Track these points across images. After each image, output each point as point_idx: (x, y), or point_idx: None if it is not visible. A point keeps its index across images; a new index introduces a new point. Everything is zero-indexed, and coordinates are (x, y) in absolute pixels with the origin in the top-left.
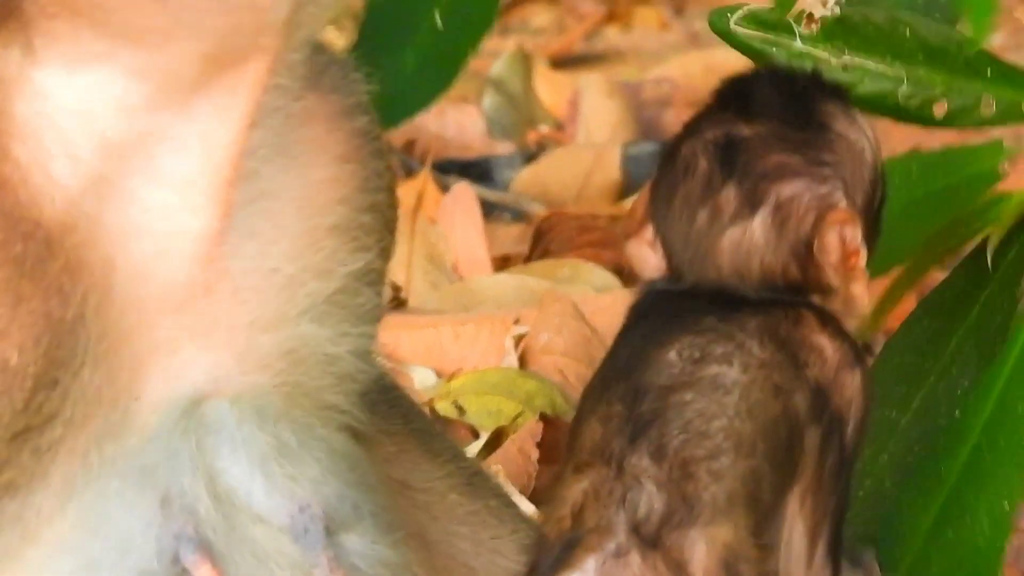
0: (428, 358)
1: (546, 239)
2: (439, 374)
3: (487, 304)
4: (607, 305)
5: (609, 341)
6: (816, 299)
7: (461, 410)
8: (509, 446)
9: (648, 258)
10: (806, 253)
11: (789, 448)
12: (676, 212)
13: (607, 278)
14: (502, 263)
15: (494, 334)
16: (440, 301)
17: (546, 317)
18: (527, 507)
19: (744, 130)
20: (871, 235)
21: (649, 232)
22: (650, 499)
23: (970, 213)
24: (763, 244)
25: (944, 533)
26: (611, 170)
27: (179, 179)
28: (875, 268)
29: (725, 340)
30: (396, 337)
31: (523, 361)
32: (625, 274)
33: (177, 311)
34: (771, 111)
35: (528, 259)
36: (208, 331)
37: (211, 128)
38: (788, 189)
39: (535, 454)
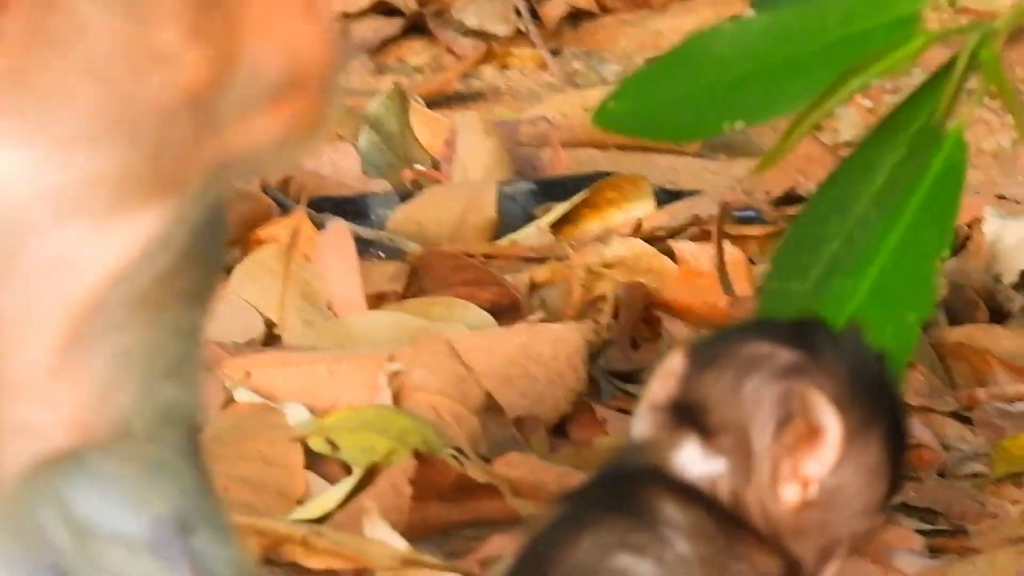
0: (302, 395)
1: (421, 277)
2: (313, 411)
3: (361, 342)
4: (482, 343)
5: (483, 380)
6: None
7: (334, 447)
8: (382, 483)
9: (667, 385)
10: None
11: None
12: (725, 389)
13: (482, 316)
14: (377, 301)
15: (368, 371)
16: (314, 338)
17: (420, 355)
18: (400, 543)
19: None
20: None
21: (679, 363)
22: None
23: (885, 57)
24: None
25: None
26: (487, 208)
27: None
28: (785, 107)
29: (645, 527)
30: (270, 374)
31: (397, 398)
32: (500, 312)
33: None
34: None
35: (403, 297)
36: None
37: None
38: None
39: (408, 491)
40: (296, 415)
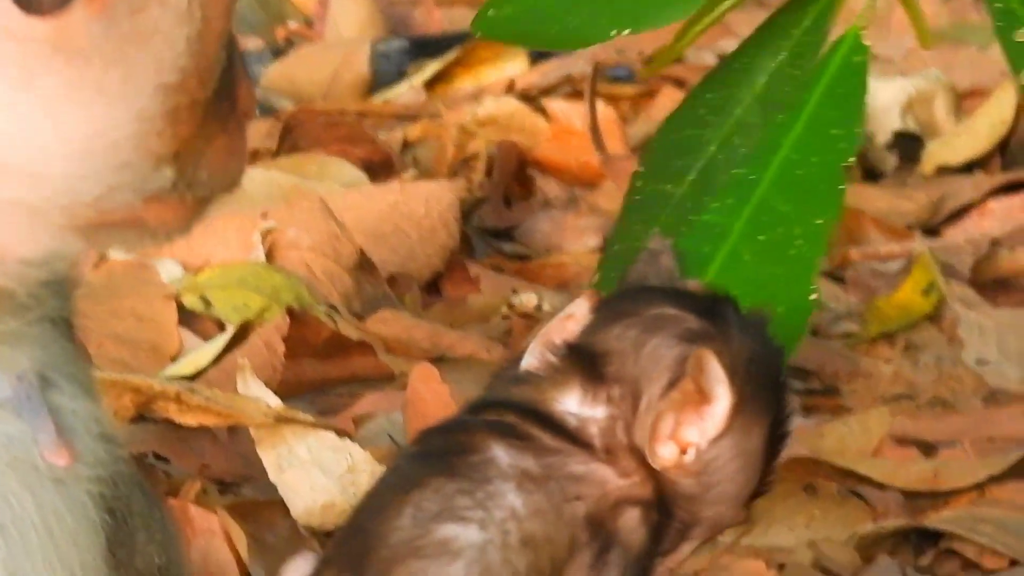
0: (175, 251)
1: (294, 134)
2: (186, 268)
3: (235, 199)
4: (354, 201)
5: (356, 237)
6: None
7: (207, 304)
8: (255, 340)
9: (564, 329)
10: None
11: None
12: (631, 324)
13: (355, 174)
14: (250, 158)
15: (241, 229)
16: None
17: (293, 212)
18: (273, 400)
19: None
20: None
21: (584, 308)
22: None
23: None
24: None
25: (755, 237)
26: (360, 67)
27: None
28: (675, 14)
29: (474, 488)
30: None
31: (270, 256)
32: (373, 169)
33: None
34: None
35: (276, 154)
36: None
37: None
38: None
39: (281, 348)
40: (169, 272)
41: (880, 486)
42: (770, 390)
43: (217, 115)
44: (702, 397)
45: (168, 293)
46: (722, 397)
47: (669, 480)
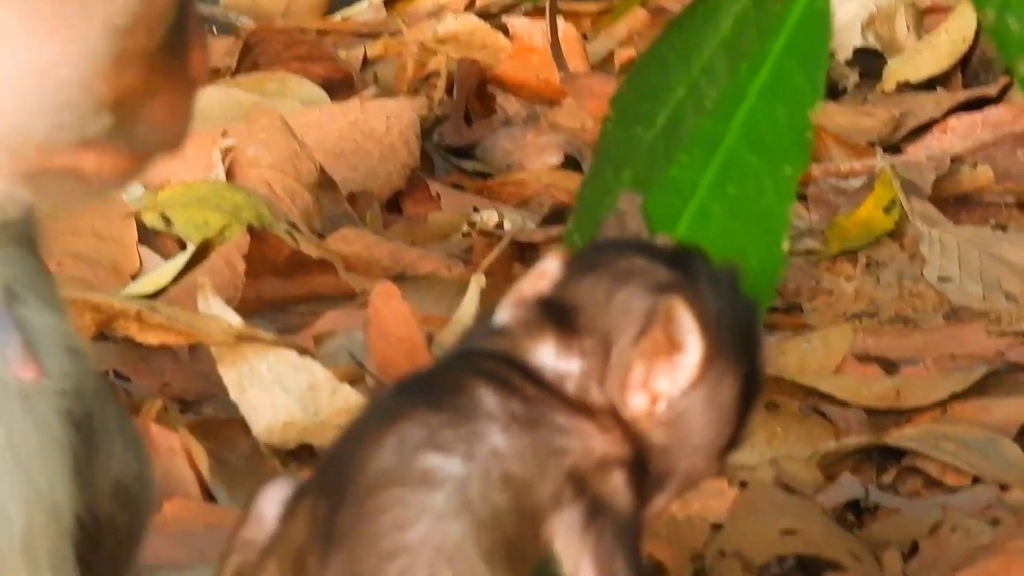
0: None
1: (254, 52)
2: (146, 186)
3: (195, 117)
4: (315, 119)
5: (317, 155)
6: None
7: (168, 222)
8: (216, 258)
9: (534, 284)
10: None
11: (524, 539)
12: (602, 279)
13: (315, 92)
14: (210, 76)
15: (201, 147)
16: None
17: (253, 130)
18: (234, 319)
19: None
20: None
21: (556, 266)
22: None
23: None
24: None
25: (724, 190)
26: None
27: None
28: None
29: (459, 422)
30: None
31: (230, 174)
32: (333, 87)
33: None
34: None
35: (236, 72)
36: None
37: None
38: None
39: (242, 266)
40: (130, 190)
41: (842, 404)
42: (743, 342)
43: (163, 71)
44: (673, 346)
45: (128, 211)
46: (693, 347)
47: (643, 432)
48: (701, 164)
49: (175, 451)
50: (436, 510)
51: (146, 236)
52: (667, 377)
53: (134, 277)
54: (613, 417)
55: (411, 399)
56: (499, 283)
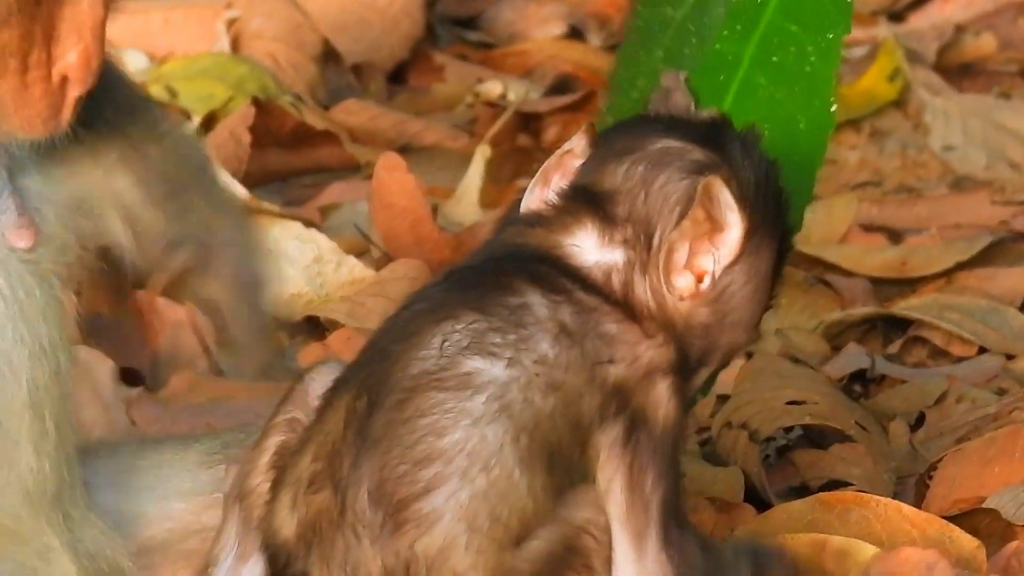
0: (139, 42)
1: None
2: (151, 58)
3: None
4: None
5: (320, 27)
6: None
7: (173, 94)
8: (221, 130)
9: (552, 181)
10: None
11: (565, 448)
12: (626, 162)
13: None
14: None
15: (205, 19)
16: None
17: (256, 2)
18: (240, 190)
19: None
20: (747, 278)
21: (579, 162)
22: (367, 567)
23: None
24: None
25: (768, 60)
26: None
27: None
28: None
29: (508, 329)
30: (108, 22)
31: (234, 46)
32: None
33: None
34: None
35: None
36: None
37: None
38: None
39: (247, 138)
40: (135, 62)
41: (847, 273)
42: (776, 210)
43: (15, 53)
44: (714, 225)
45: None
46: (734, 224)
47: (687, 318)
48: (743, 37)
49: (182, 324)
50: (475, 415)
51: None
52: (710, 256)
53: None
54: (658, 319)
55: (458, 298)
56: (504, 153)
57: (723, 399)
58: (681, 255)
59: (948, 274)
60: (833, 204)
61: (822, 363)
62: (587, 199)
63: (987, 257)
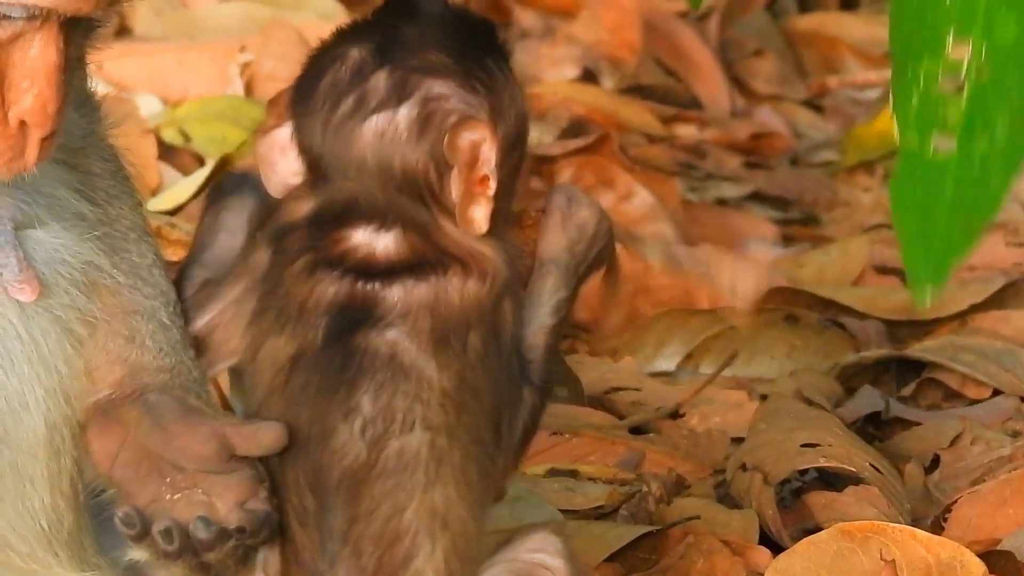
0: (153, 85)
1: None
2: (164, 101)
3: (212, 31)
4: (331, 30)
5: None
6: (443, 219)
7: (187, 137)
8: None
9: (278, 162)
10: (442, 157)
11: (488, 440)
12: (320, 101)
13: (331, 5)
14: None
15: (219, 61)
16: (164, 28)
17: (271, 44)
18: None
19: (408, 30)
20: (505, 183)
21: (286, 132)
22: None
23: None
24: (405, 137)
25: None
26: None
27: None
28: None
29: (399, 384)
30: (120, 65)
31: (248, 88)
32: (350, 1)
33: None
34: (443, 32)
35: None
36: None
37: None
38: (439, 87)
39: None
40: (148, 106)
41: (861, 315)
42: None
43: None
44: (477, 168)
45: (147, 127)
46: (488, 157)
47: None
48: None
49: None
50: (422, 483)
51: (165, 152)
52: (482, 184)
53: (154, 193)
54: (475, 252)
55: (343, 387)
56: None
57: (738, 441)
58: (467, 197)
59: (962, 316)
60: (847, 246)
61: (836, 405)
62: (338, 213)
63: (1001, 299)
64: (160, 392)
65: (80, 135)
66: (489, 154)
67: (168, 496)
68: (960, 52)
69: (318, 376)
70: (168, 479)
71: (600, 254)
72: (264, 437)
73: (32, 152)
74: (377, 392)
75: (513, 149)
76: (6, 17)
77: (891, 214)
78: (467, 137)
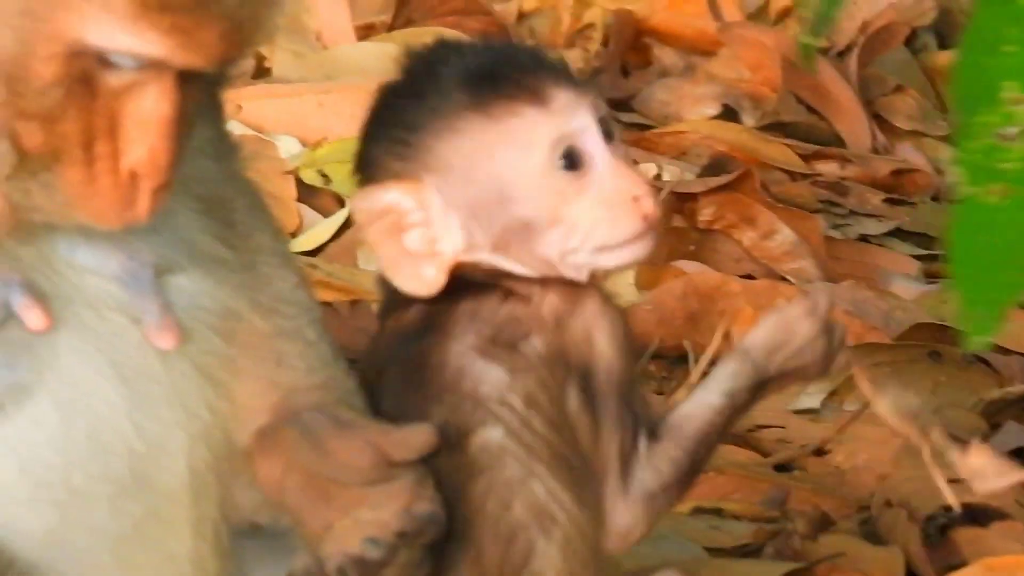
0: (292, 127)
1: (409, 7)
2: (303, 143)
3: (351, 73)
4: None
5: None
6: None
7: (326, 179)
8: None
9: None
10: None
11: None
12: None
13: None
14: (365, 32)
15: (358, 103)
16: (304, 70)
17: None
18: None
19: None
20: None
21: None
22: None
23: None
24: None
25: None
26: None
27: None
28: None
29: (467, 399)
30: (260, 107)
31: None
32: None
33: None
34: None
35: (391, 28)
36: None
37: None
38: None
39: None
40: (287, 148)
41: (1005, 351)
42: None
43: (76, 143)
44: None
45: (287, 169)
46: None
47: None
48: None
49: None
50: (515, 478)
51: (305, 193)
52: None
53: (294, 234)
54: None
55: (421, 402)
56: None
57: (883, 478)
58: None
59: None
60: None
61: (981, 441)
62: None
63: None
64: (314, 410)
65: (217, 181)
66: None
67: (337, 521)
68: (1018, 101)
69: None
70: (334, 501)
71: (802, 371)
72: (415, 440)
73: (144, 202)
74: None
75: None
76: (118, 66)
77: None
78: None
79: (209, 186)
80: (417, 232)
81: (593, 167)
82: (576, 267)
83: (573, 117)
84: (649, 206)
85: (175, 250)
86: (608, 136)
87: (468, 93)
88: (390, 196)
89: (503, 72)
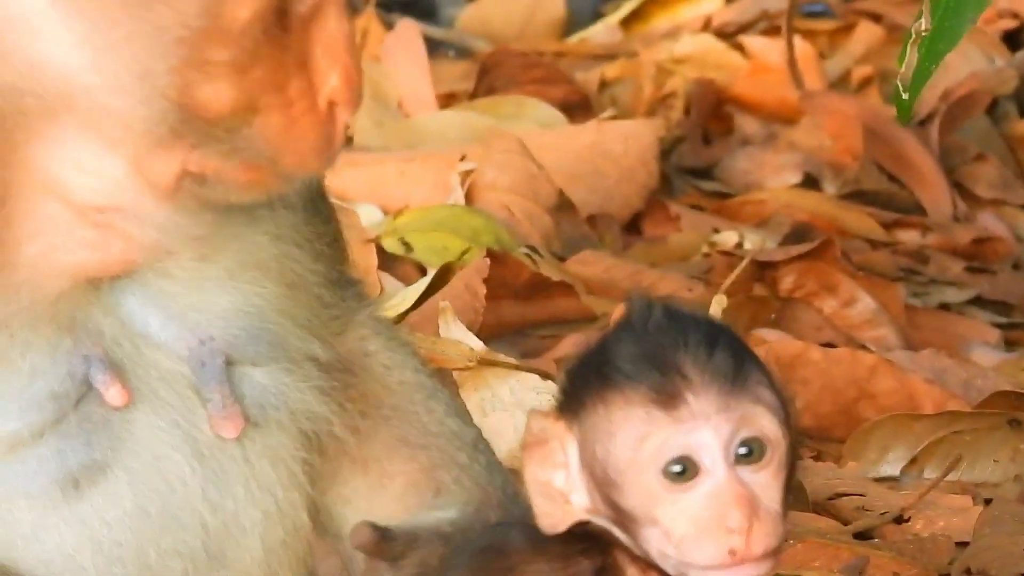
0: (374, 195)
1: (491, 76)
2: (385, 211)
3: (432, 141)
4: (552, 141)
5: (555, 177)
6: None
7: (408, 247)
8: (456, 283)
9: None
10: None
11: None
12: None
13: (552, 114)
14: (447, 100)
15: (439, 171)
16: (385, 139)
17: (491, 154)
18: (476, 343)
19: None
20: None
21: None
22: None
23: None
24: None
25: None
26: (555, 6)
27: None
28: None
29: None
30: (342, 175)
31: (469, 198)
32: (570, 109)
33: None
34: None
35: (473, 96)
36: None
37: None
38: None
39: (482, 290)
40: (369, 216)
41: None
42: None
43: (272, 88)
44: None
45: (368, 237)
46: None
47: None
48: None
49: None
50: None
51: (386, 261)
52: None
53: None
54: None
55: None
56: (740, 303)
57: (962, 546)
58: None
59: None
60: None
61: None
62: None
63: None
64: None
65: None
66: None
67: None
68: None
69: None
70: None
71: None
72: None
73: (339, 137)
74: None
75: None
76: None
77: None
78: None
79: (295, 276)
80: (563, 474)
81: (702, 482)
82: (673, 568)
83: (694, 431)
84: (740, 543)
85: (258, 339)
86: (746, 456)
87: (618, 370)
88: (552, 430)
89: (648, 360)
